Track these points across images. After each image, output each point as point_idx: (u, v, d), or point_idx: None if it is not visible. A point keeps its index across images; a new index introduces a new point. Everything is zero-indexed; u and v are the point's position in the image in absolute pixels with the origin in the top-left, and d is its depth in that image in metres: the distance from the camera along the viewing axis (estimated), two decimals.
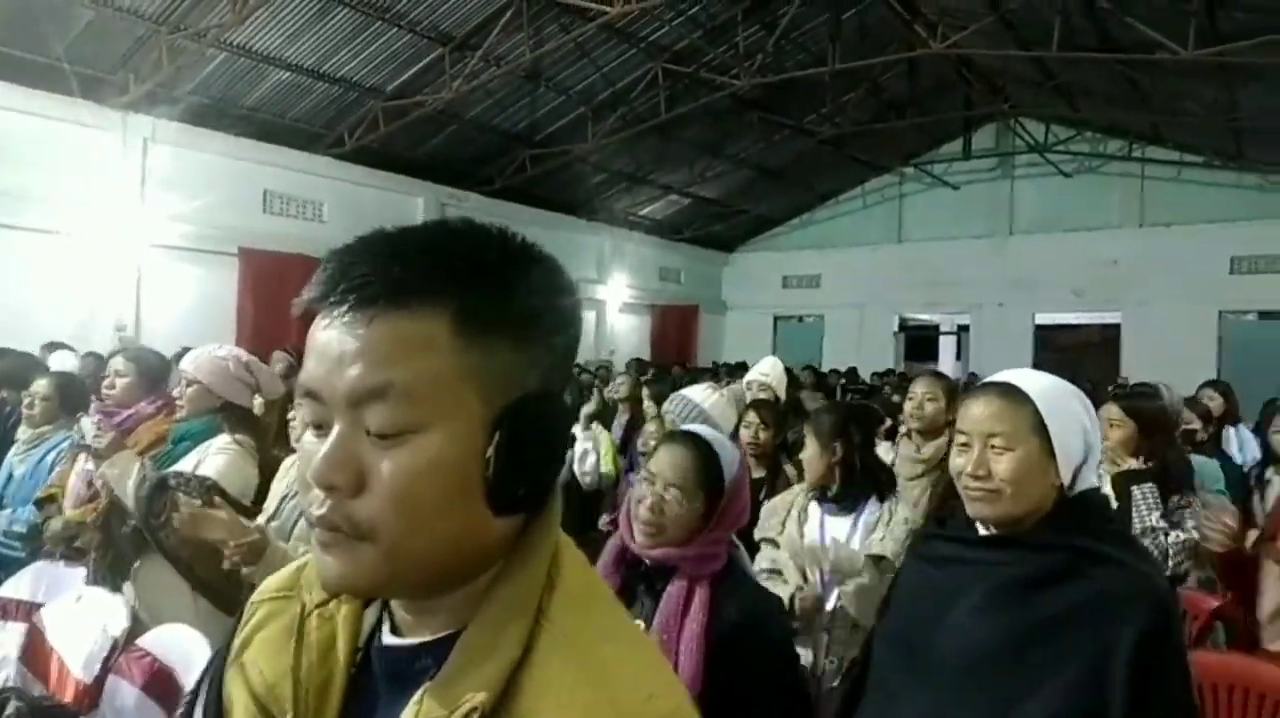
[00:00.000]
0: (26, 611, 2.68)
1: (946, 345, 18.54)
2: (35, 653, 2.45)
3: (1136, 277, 13.31)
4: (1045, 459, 1.45)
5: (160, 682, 2.18)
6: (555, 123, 11.65)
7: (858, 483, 2.48)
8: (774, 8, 10.07)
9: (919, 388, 3.31)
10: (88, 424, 2.65)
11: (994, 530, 1.49)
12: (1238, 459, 4.88)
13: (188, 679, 2.18)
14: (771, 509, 2.59)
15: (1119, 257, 13.42)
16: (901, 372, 15.12)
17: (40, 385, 3.34)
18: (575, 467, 4.08)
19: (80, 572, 2.73)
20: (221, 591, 2.56)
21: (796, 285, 17.06)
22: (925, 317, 16.88)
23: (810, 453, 2.50)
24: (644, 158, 13.22)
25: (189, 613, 2.58)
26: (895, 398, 8.40)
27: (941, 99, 13.21)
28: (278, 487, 2.62)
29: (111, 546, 2.59)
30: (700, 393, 2.88)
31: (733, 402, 2.96)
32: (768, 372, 4.47)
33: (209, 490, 2.52)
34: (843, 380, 11.83)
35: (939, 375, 3.52)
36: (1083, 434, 1.48)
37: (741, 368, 11.96)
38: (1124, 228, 13.64)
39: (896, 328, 16.43)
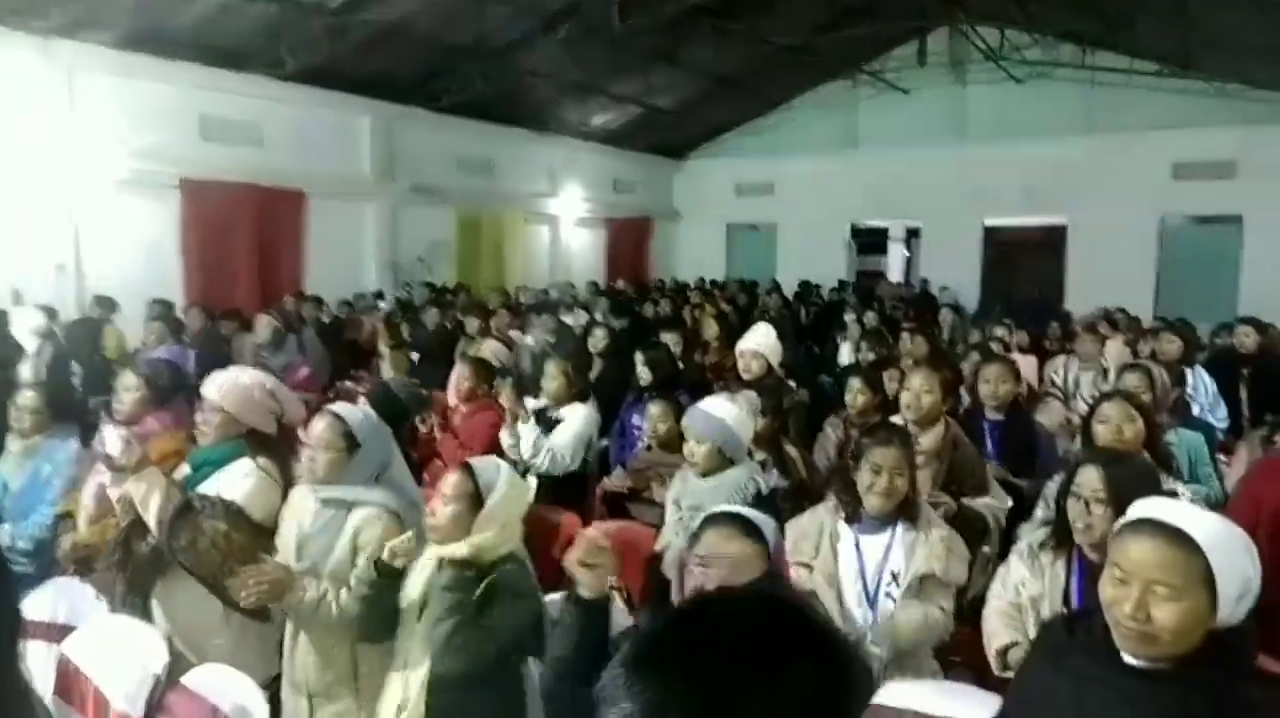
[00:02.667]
0: (49, 632, 2.69)
1: (896, 248, 18.76)
2: (68, 685, 2.48)
3: (1083, 181, 13.52)
4: (1208, 609, 1.44)
5: None
6: (504, 36, 11.19)
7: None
8: None
9: (915, 380, 3.33)
10: (111, 436, 2.58)
11: (1141, 662, 1.49)
12: (1202, 401, 5.08)
13: None
14: (801, 532, 2.56)
15: (1067, 161, 13.57)
16: (854, 281, 15.44)
17: (28, 399, 3.23)
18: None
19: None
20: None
21: (749, 194, 16.89)
22: (877, 223, 16.92)
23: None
24: (596, 68, 12.82)
25: (220, 626, 2.63)
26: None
27: (896, 4, 12.93)
28: (288, 527, 2.57)
29: (132, 564, 2.60)
30: (720, 407, 2.84)
31: (752, 410, 3.00)
32: (761, 341, 4.57)
33: (233, 515, 2.54)
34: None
35: (935, 366, 3.53)
36: (1245, 583, 1.46)
37: (685, 288, 12.13)
38: (1072, 134, 13.74)
39: (849, 235, 16.50)
